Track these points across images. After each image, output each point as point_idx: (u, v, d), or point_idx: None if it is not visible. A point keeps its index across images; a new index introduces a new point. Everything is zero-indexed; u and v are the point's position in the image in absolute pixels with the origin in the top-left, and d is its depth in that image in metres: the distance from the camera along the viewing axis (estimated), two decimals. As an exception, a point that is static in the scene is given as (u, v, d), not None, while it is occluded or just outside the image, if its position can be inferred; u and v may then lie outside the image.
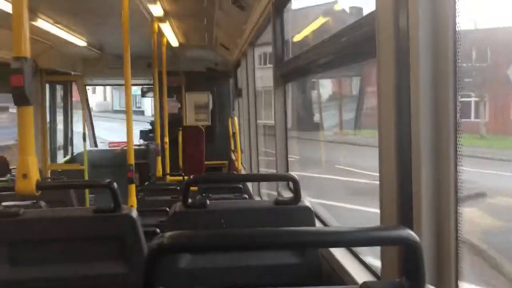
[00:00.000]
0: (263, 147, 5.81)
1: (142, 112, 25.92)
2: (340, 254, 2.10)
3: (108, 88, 30.43)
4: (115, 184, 2.09)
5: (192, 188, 4.81)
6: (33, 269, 2.02)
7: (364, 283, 0.95)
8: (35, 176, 2.11)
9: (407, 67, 1.31)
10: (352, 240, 1.00)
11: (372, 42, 1.47)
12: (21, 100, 2.05)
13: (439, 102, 1.26)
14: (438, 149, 1.27)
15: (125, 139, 4.11)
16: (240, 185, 4.14)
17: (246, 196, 4.10)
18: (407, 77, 1.30)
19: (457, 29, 1.22)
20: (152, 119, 9.33)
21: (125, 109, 4.01)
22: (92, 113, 9.61)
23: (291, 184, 3.46)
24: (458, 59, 1.22)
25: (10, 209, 2.07)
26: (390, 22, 1.36)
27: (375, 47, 1.45)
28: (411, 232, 0.93)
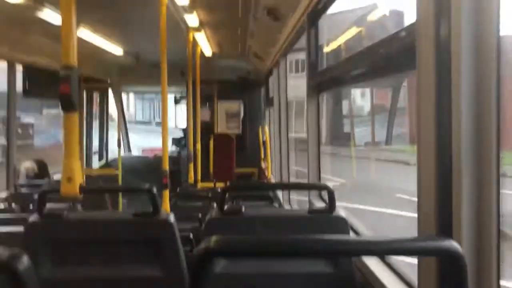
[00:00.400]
0: (293, 165, 5.66)
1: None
2: (374, 265, 2.09)
3: (131, 98, 29.08)
4: (154, 189, 2.15)
5: None
6: (74, 269, 2.10)
7: None
8: (79, 179, 2.20)
9: (448, 78, 1.31)
10: (391, 249, 1.00)
11: (412, 53, 1.48)
12: (67, 106, 2.15)
13: (481, 114, 1.25)
14: (480, 161, 1.26)
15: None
16: (270, 194, 4.16)
17: (277, 205, 4.13)
18: (448, 89, 1.31)
19: (500, 39, 1.21)
20: (176, 130, 9.48)
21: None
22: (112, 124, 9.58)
23: (323, 194, 3.46)
24: (501, 71, 1.21)
25: (55, 211, 2.16)
26: (431, 33, 1.36)
27: (414, 58, 1.46)
28: (455, 243, 0.91)
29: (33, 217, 2.10)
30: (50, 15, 4.19)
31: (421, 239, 1.01)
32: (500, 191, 1.24)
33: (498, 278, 1.25)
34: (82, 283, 2.11)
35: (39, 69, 5.58)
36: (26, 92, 5.69)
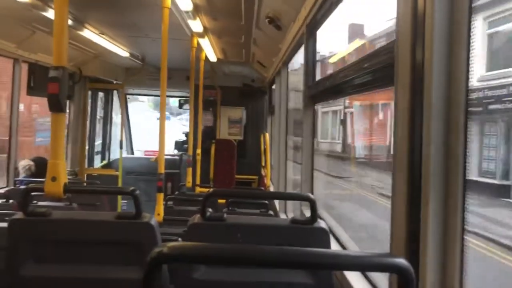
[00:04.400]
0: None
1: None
2: (353, 277, 2.09)
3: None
4: (138, 192, 2.16)
5: (220, 200, 4.82)
6: (55, 268, 2.12)
7: None
8: (63, 179, 2.22)
9: (421, 96, 1.32)
10: (347, 264, 1.02)
11: (391, 70, 1.50)
12: (55, 106, 2.18)
13: (450, 130, 1.27)
14: (447, 178, 1.27)
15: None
16: (267, 202, 4.16)
17: (272, 213, 4.12)
18: (421, 106, 1.32)
19: (470, 65, 1.23)
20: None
21: None
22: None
23: None
24: (469, 96, 1.23)
25: (40, 209, 2.18)
26: (408, 54, 1.38)
27: (393, 75, 1.48)
28: (404, 261, 0.94)
29: (17, 215, 2.13)
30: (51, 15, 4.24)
31: (378, 255, 1.02)
32: (466, 214, 1.24)
33: None
34: (62, 282, 2.13)
35: (44, 67, 5.65)
36: (30, 89, 5.76)
